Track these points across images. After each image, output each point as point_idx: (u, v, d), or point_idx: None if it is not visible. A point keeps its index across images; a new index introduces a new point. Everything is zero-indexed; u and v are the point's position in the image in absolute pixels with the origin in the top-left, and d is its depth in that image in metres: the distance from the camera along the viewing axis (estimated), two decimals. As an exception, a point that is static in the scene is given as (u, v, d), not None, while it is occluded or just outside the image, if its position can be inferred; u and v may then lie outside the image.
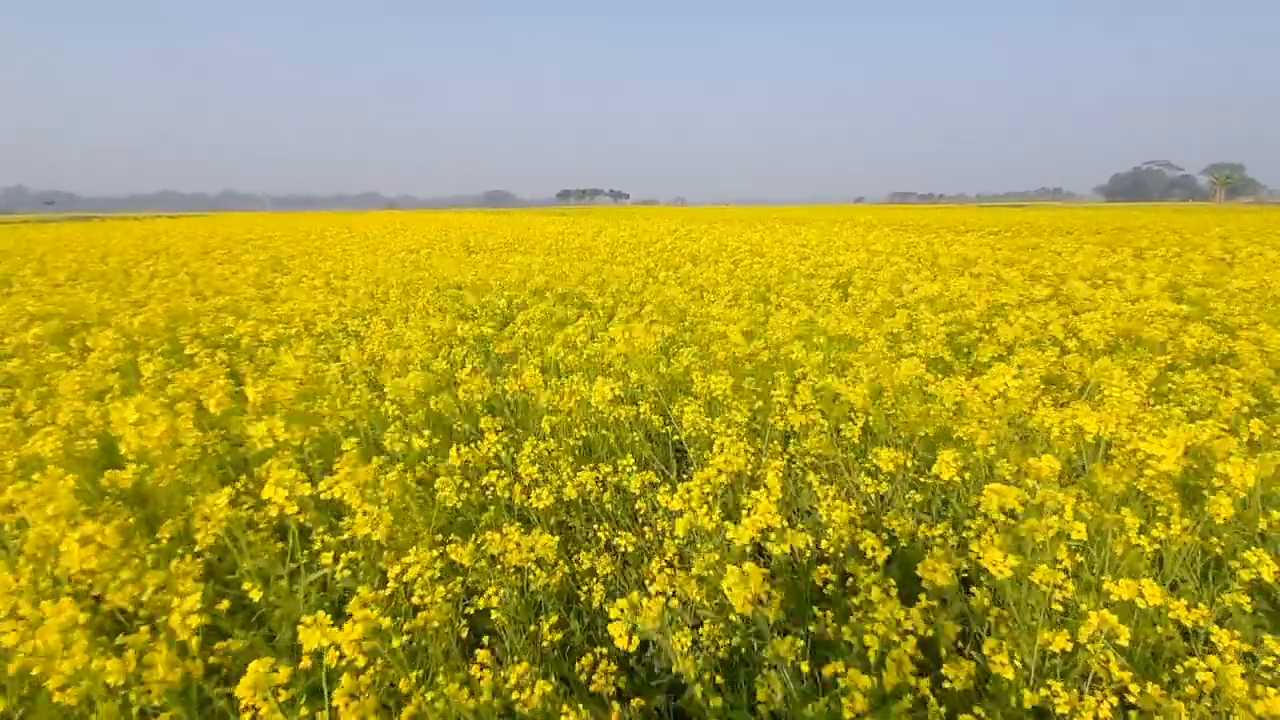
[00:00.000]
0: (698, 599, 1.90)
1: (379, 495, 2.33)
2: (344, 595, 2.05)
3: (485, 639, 2.17)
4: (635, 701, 1.84)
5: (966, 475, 2.53)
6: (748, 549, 2.01)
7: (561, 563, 2.30)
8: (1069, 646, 1.75)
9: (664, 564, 2.33)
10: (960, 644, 2.38)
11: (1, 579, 1.66)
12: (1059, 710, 1.62)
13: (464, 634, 2.09)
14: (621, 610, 1.60)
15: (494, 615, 2.11)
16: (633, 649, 1.59)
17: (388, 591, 1.99)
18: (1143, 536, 2.04)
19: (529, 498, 2.60)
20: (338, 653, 1.45)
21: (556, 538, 2.28)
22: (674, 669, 1.79)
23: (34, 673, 1.55)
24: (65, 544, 1.76)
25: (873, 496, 2.86)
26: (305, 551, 2.26)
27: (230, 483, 2.61)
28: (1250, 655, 1.72)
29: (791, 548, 2.30)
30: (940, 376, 3.69)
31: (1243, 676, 1.56)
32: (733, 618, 2.03)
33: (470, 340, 5.23)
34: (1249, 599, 1.94)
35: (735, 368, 4.15)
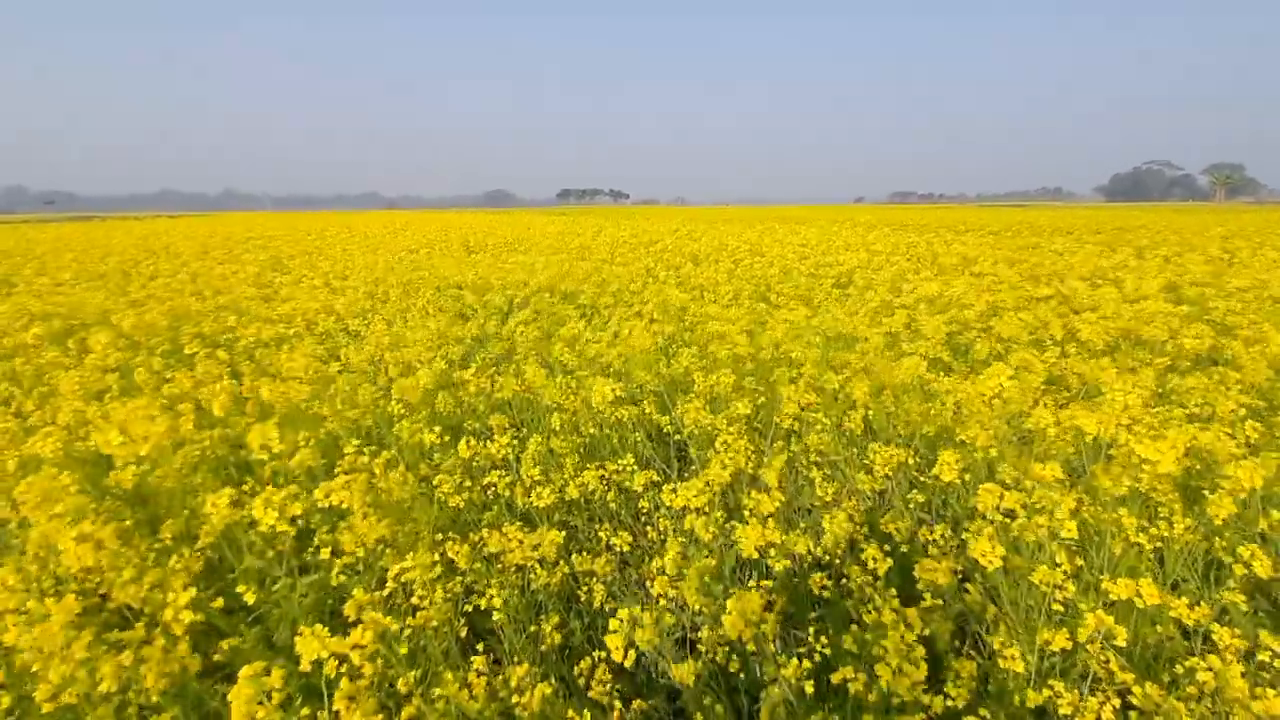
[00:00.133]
0: (696, 606, 1.90)
1: (379, 498, 2.33)
2: (343, 595, 2.04)
3: (482, 644, 2.17)
4: (636, 704, 1.84)
5: (967, 477, 2.53)
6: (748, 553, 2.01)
7: (562, 562, 2.30)
8: (1069, 645, 1.74)
9: (662, 566, 2.33)
10: (959, 643, 2.39)
11: (5, 577, 1.66)
12: (1062, 711, 1.62)
13: (463, 634, 2.08)
14: (621, 621, 1.59)
15: (495, 616, 2.11)
16: (629, 664, 1.58)
17: (385, 592, 1.99)
18: (1142, 535, 2.04)
19: (531, 497, 2.60)
20: (336, 661, 1.45)
21: (562, 533, 2.29)
22: (674, 677, 1.79)
23: (34, 669, 1.56)
24: (63, 542, 1.76)
25: (871, 495, 2.87)
26: (308, 550, 2.26)
27: (232, 484, 2.61)
28: (1249, 653, 1.72)
29: (793, 555, 2.31)
30: (940, 375, 3.69)
31: (1242, 676, 1.56)
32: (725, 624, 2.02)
33: (468, 340, 5.24)
34: (1245, 598, 1.94)
35: (736, 366, 4.15)
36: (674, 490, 2.32)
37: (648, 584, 2.15)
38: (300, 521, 2.08)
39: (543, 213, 57.52)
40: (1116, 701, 1.62)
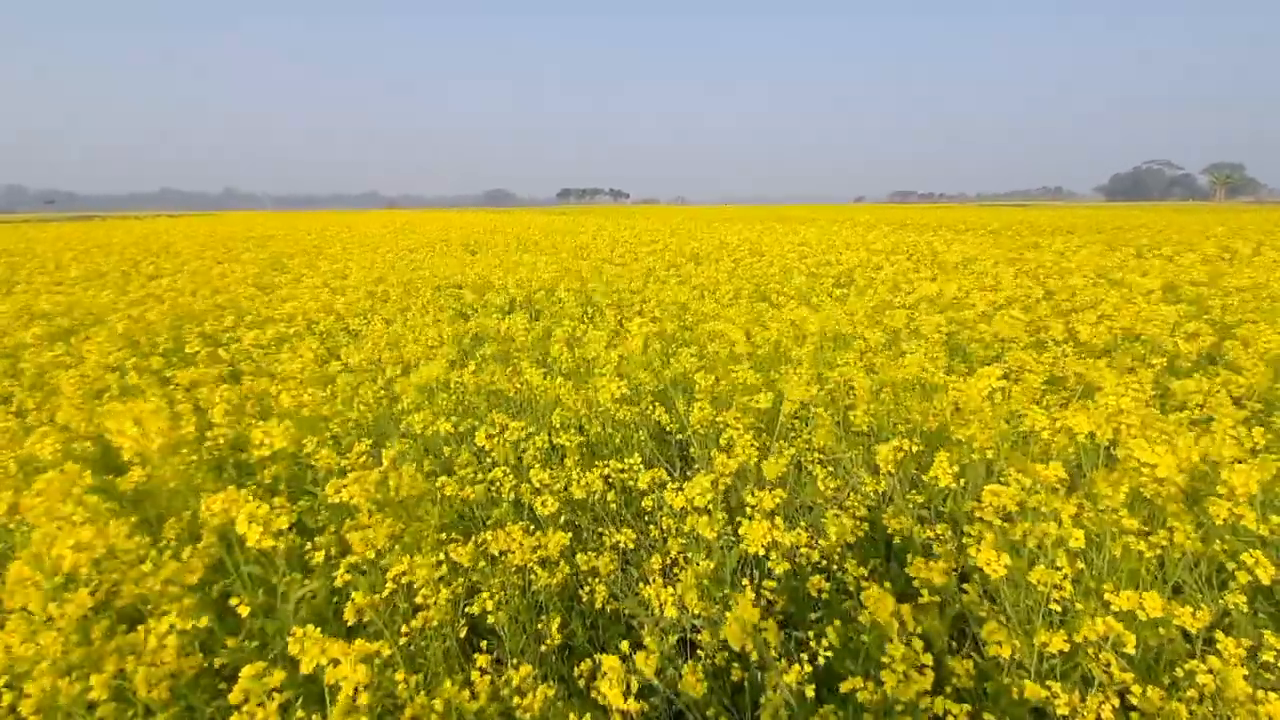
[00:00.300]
0: (696, 610, 1.90)
1: (388, 495, 2.33)
2: (346, 594, 2.04)
3: (485, 643, 2.17)
4: (638, 706, 1.84)
5: (962, 481, 2.53)
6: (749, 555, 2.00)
7: (564, 563, 2.30)
8: (1066, 647, 1.74)
9: (666, 564, 2.33)
10: (958, 644, 2.39)
11: (17, 573, 1.66)
12: (1059, 711, 1.62)
13: (463, 634, 2.08)
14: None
15: (489, 620, 2.11)
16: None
17: (386, 592, 1.99)
18: (1142, 542, 2.04)
19: (536, 504, 2.60)
20: (332, 664, 1.44)
21: (568, 535, 2.29)
22: (680, 686, 1.79)
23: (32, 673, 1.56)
24: (58, 549, 1.75)
25: (873, 495, 2.87)
26: (309, 547, 2.25)
27: (232, 484, 2.60)
28: (1252, 651, 1.71)
29: (793, 550, 2.31)
30: (939, 374, 3.70)
31: (1244, 679, 1.56)
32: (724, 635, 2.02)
33: (467, 341, 5.24)
34: (1245, 598, 1.93)
35: (735, 366, 4.16)
36: (679, 489, 2.32)
37: (650, 580, 2.15)
38: (305, 521, 2.08)
39: (543, 212, 57.49)
40: (1116, 701, 1.62)
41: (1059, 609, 1.89)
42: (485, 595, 2.02)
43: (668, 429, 3.67)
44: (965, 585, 2.21)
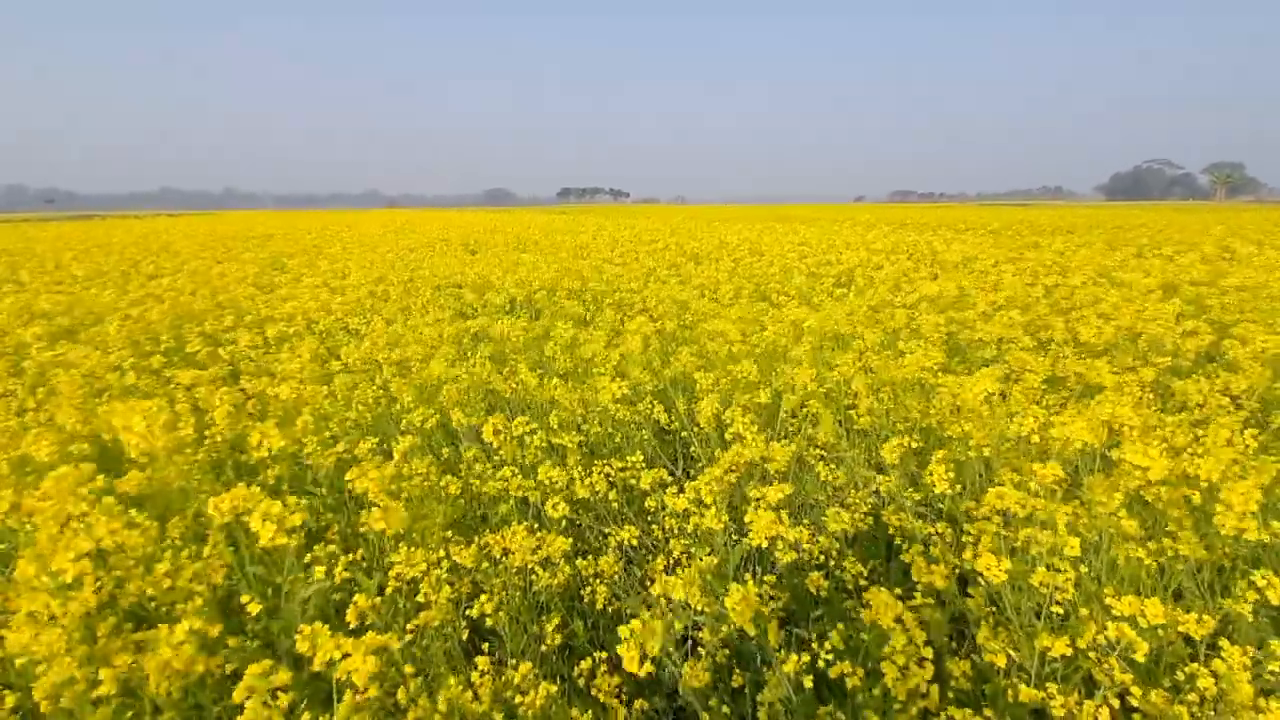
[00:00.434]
0: (699, 606, 1.90)
1: (401, 488, 2.33)
2: (349, 592, 2.05)
3: (487, 644, 2.17)
4: (638, 704, 1.85)
5: (958, 487, 2.54)
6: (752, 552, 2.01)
7: (564, 563, 2.30)
8: (1069, 652, 1.74)
9: (670, 563, 2.33)
10: (957, 645, 2.39)
11: (25, 570, 1.66)
12: (1056, 714, 1.62)
13: (465, 635, 2.09)
14: (631, 631, 1.60)
15: (489, 622, 2.11)
16: (644, 673, 1.58)
17: (389, 590, 1.99)
18: (1142, 549, 2.03)
19: (547, 501, 2.60)
20: (348, 661, 1.45)
21: (569, 540, 2.29)
22: (681, 685, 1.80)
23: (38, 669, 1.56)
24: (58, 561, 1.75)
25: (876, 490, 2.88)
26: (317, 546, 2.26)
27: (235, 485, 2.61)
28: (1256, 658, 1.71)
29: (795, 545, 2.31)
30: (939, 374, 3.70)
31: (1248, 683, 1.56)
32: (726, 629, 2.03)
33: (466, 340, 5.24)
34: (1250, 605, 1.92)
35: (734, 364, 4.17)
36: (680, 490, 2.33)
37: (653, 579, 2.15)
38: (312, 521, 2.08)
39: (543, 211, 57.49)
40: (1116, 703, 1.63)
41: (1060, 611, 1.89)
42: (484, 598, 2.03)
43: (668, 428, 3.67)
44: (969, 589, 2.21)
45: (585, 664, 1.90)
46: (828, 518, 2.45)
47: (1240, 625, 1.99)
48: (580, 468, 2.84)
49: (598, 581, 2.35)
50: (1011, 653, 1.84)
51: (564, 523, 2.61)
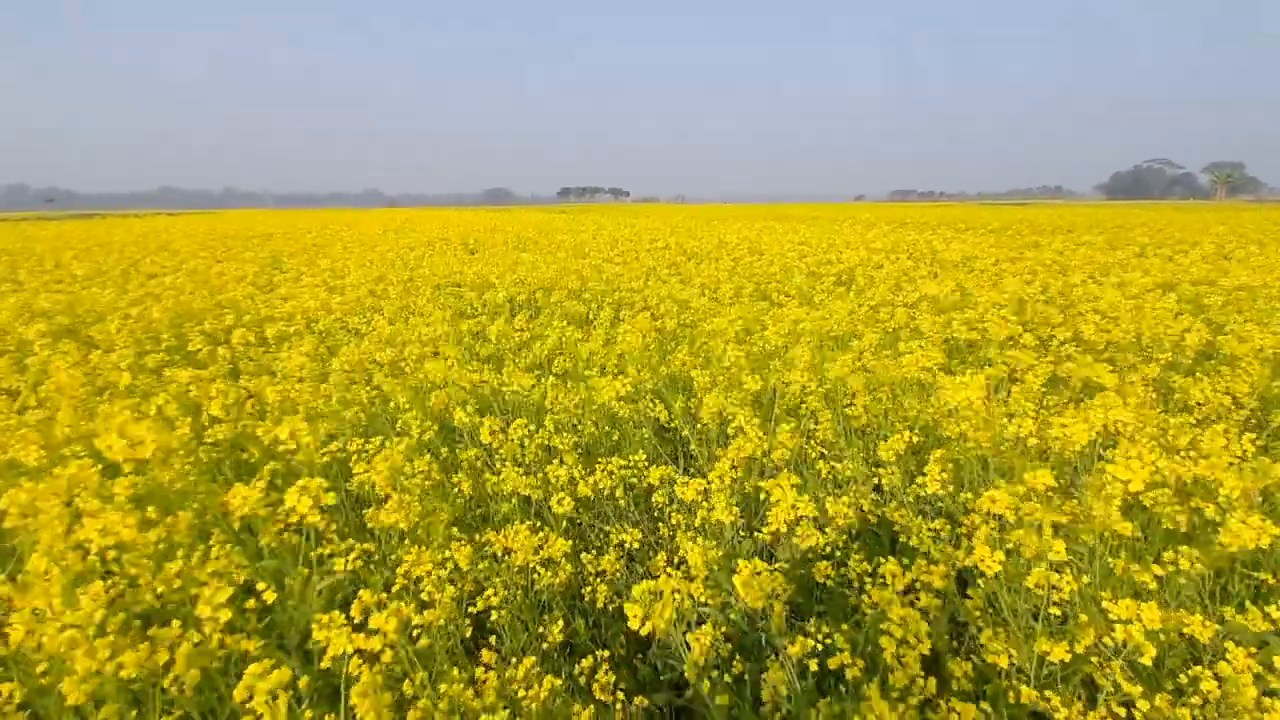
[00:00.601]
0: (702, 598, 1.91)
1: (409, 483, 2.34)
2: (353, 590, 2.06)
3: (494, 637, 2.18)
4: (639, 701, 1.85)
5: (951, 487, 2.54)
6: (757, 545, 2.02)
7: (566, 562, 2.31)
8: (1068, 657, 1.75)
9: (675, 559, 2.34)
10: (958, 644, 2.40)
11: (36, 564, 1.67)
12: (1057, 717, 1.63)
13: (468, 633, 2.10)
14: (640, 595, 1.62)
15: (494, 616, 2.12)
16: (646, 631, 1.60)
17: (395, 589, 2.00)
18: (1140, 571, 2.03)
19: (551, 502, 2.61)
20: (359, 659, 1.46)
21: (569, 541, 2.30)
22: (685, 664, 1.81)
23: (41, 669, 1.57)
24: (71, 558, 1.75)
25: (879, 487, 2.89)
26: (326, 543, 2.26)
27: (233, 483, 2.61)
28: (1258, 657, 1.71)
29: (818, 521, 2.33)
30: (937, 374, 3.71)
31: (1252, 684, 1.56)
32: (734, 616, 2.04)
33: (467, 340, 5.25)
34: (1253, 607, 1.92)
35: (733, 364, 4.18)
36: (686, 483, 2.34)
37: (656, 576, 2.16)
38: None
39: (543, 210, 57.49)
40: (1122, 711, 1.63)
41: (1058, 612, 1.89)
42: (490, 590, 2.04)
43: (667, 426, 3.68)
44: (968, 591, 2.22)
45: (586, 662, 1.90)
46: (830, 504, 2.46)
47: (1240, 630, 1.99)
48: (580, 467, 2.85)
49: (599, 580, 2.35)
50: (1011, 653, 1.85)
51: (565, 523, 2.62)
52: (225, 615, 1.62)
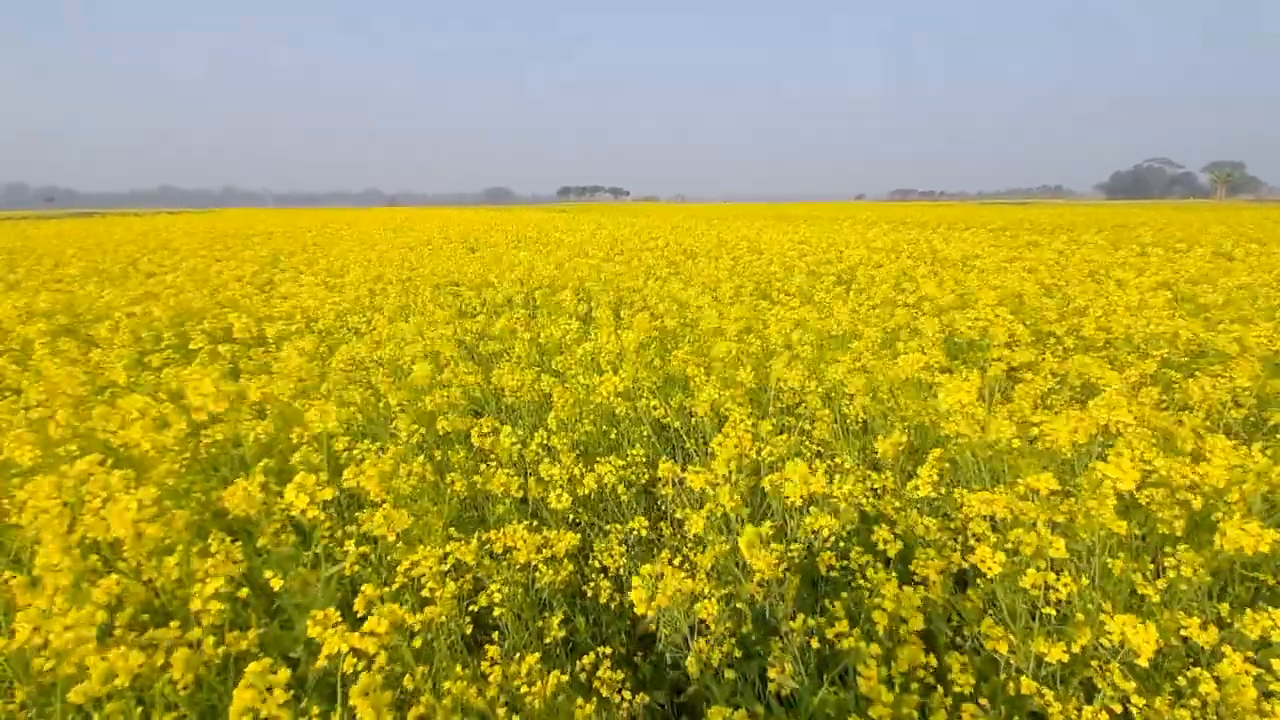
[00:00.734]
0: (706, 589, 1.92)
1: (399, 485, 2.35)
2: (354, 588, 2.06)
3: (496, 633, 2.19)
4: (640, 698, 1.86)
5: (944, 489, 2.55)
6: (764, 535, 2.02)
7: (567, 561, 2.31)
8: (1066, 658, 1.75)
9: (679, 554, 2.35)
10: (959, 641, 2.40)
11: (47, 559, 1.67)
12: (1053, 716, 1.63)
13: (469, 630, 2.10)
14: (645, 577, 1.63)
15: (496, 612, 2.12)
16: (651, 611, 1.61)
17: (395, 587, 2.00)
18: (1138, 576, 2.03)
19: (550, 498, 2.61)
20: (355, 659, 1.46)
21: (576, 535, 2.30)
22: (691, 652, 1.81)
23: (48, 667, 1.57)
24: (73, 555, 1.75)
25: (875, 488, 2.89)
26: (325, 540, 2.27)
27: (226, 483, 2.60)
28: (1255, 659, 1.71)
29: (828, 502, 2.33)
30: (936, 373, 3.71)
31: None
32: (740, 605, 2.04)
33: (470, 339, 5.25)
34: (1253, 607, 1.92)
35: (732, 362, 4.18)
36: (696, 472, 2.34)
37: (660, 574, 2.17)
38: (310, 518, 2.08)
39: (543, 209, 57.47)
40: (1118, 708, 1.63)
41: (1052, 613, 1.89)
42: (493, 587, 2.04)
43: (666, 424, 3.68)
44: (968, 591, 2.22)
45: (589, 658, 1.91)
46: (835, 488, 2.47)
47: (1238, 632, 1.99)
48: (578, 466, 2.85)
49: (601, 577, 2.35)
50: (1010, 655, 1.85)
51: (564, 522, 2.62)
52: (215, 606, 1.62)
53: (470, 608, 2.16)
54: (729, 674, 1.80)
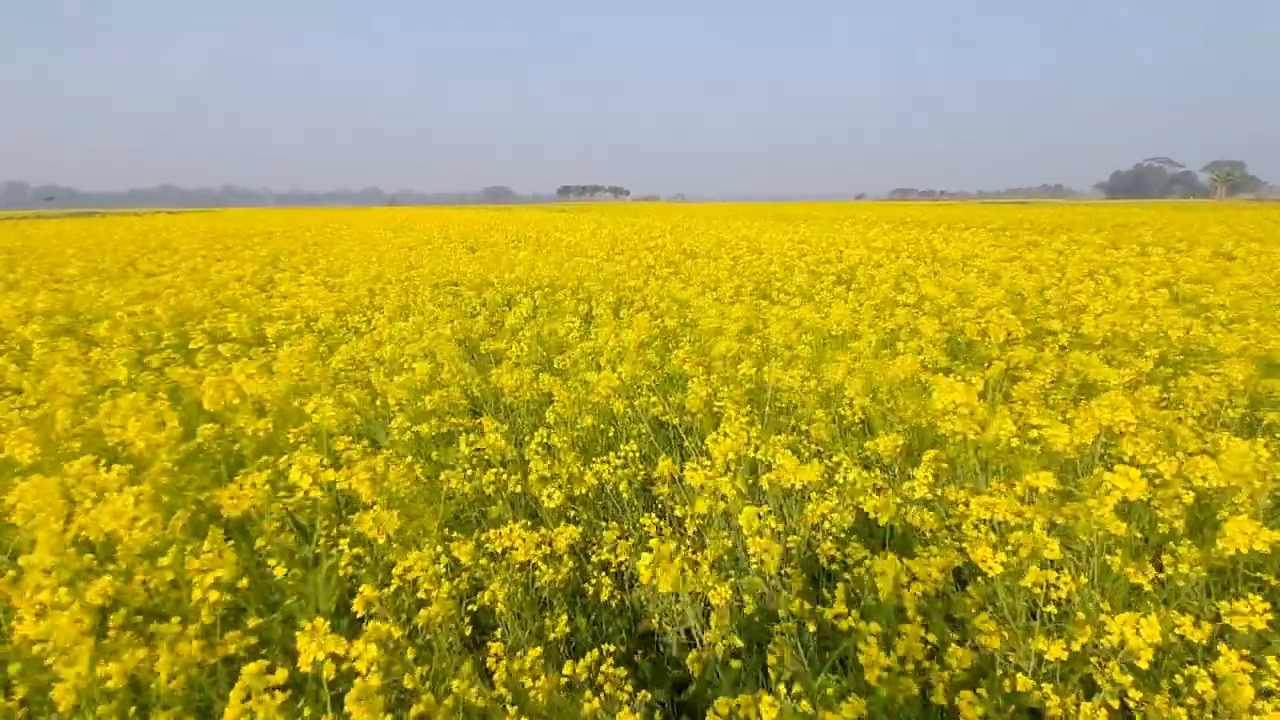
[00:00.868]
0: (709, 583, 1.92)
1: (389, 487, 2.34)
2: (351, 588, 2.06)
3: (499, 629, 2.18)
4: (641, 695, 1.85)
5: (942, 489, 2.54)
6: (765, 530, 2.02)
7: (567, 558, 2.31)
8: (1065, 656, 1.75)
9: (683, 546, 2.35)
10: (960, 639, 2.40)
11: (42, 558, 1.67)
12: (1053, 714, 1.63)
13: (468, 631, 2.10)
14: (650, 555, 1.64)
15: (498, 609, 2.12)
16: (657, 586, 1.61)
17: (392, 589, 2.00)
18: (1134, 568, 2.03)
19: (542, 496, 2.60)
20: (334, 664, 1.46)
21: (579, 529, 2.30)
22: (699, 641, 1.82)
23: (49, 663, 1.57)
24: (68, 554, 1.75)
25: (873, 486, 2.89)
26: (323, 537, 2.27)
27: (224, 481, 2.60)
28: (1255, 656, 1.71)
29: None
30: (935, 374, 3.71)
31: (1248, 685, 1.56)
32: (746, 598, 2.04)
33: (474, 336, 5.25)
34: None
35: (732, 360, 4.18)
36: (695, 469, 2.34)
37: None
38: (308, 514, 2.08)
39: (543, 209, 57.45)
40: (1116, 703, 1.63)
41: (1053, 610, 1.89)
42: (494, 584, 2.04)
43: (664, 421, 3.68)
44: (969, 590, 2.22)
45: (591, 655, 1.90)
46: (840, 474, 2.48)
47: (1238, 632, 1.99)
48: (577, 465, 2.85)
49: (602, 575, 2.35)
50: (1009, 654, 1.85)
51: (563, 518, 2.62)
52: (214, 596, 1.63)
53: (469, 607, 2.16)
54: (734, 663, 1.80)
